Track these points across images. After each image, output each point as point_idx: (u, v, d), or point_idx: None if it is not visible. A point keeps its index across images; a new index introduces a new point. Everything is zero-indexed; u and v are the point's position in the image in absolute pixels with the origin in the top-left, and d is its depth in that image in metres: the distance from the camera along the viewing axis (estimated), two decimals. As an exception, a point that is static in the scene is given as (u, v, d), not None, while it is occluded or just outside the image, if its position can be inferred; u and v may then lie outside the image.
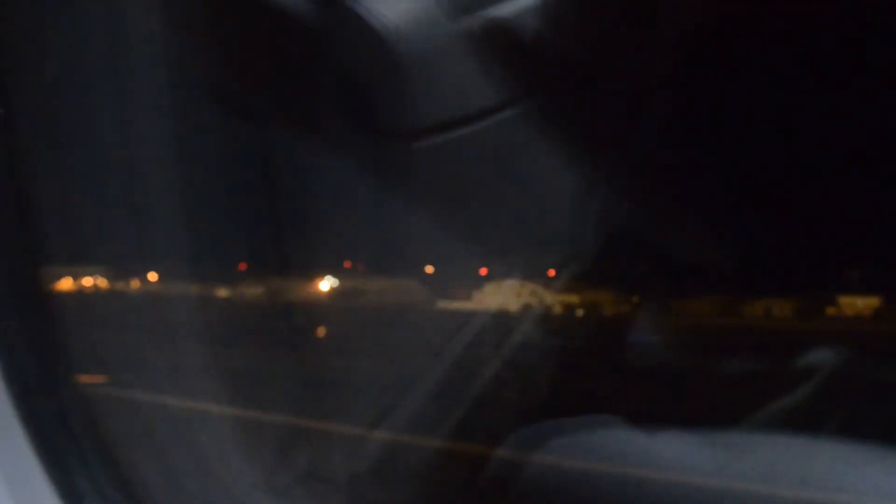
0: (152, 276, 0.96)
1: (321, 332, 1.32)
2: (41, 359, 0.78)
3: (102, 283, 0.97)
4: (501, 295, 1.48)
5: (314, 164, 1.07)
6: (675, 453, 0.95)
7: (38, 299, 0.81)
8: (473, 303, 1.59)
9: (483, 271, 1.60)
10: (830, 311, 1.31)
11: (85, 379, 0.80)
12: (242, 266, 1.10)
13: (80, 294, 0.95)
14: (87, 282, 0.94)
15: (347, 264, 1.31)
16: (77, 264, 0.94)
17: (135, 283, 0.98)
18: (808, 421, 1.05)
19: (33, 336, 0.78)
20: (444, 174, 1.22)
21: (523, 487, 0.92)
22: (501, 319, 1.37)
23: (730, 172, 1.07)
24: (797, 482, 0.93)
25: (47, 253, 0.82)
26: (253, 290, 1.11)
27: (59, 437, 0.75)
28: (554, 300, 1.51)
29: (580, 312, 1.49)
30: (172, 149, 0.99)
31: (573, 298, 1.56)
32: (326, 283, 1.29)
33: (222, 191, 1.04)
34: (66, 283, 0.89)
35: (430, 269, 1.50)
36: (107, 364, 0.83)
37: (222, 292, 1.11)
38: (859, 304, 1.21)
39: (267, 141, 1.05)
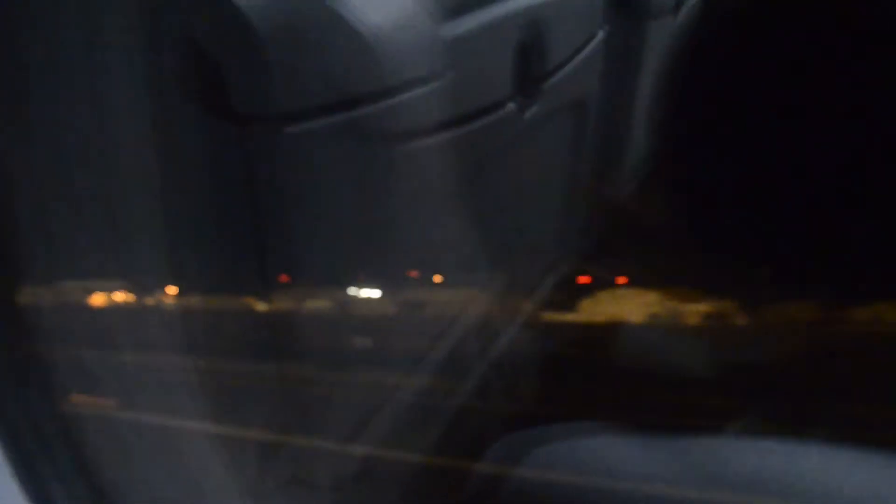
0: (171, 290, 1.00)
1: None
2: (17, 369, 0.76)
3: (117, 297, 1.03)
4: (618, 304, 1.45)
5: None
6: (659, 461, 0.94)
7: (14, 311, 0.78)
8: (583, 314, 1.55)
9: (584, 279, 1.56)
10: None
11: (64, 391, 0.78)
12: (284, 279, 1.11)
13: (73, 308, 1.00)
14: (96, 296, 1.00)
15: (413, 274, 1.30)
16: (92, 278, 0.96)
17: (163, 297, 1.04)
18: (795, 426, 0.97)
19: (8, 346, 0.76)
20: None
21: (508, 497, 0.93)
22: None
23: (836, 171, 1.03)
24: (783, 492, 0.89)
25: (35, 267, 0.84)
26: (284, 304, 1.14)
27: (35, 448, 0.73)
28: (683, 309, 1.45)
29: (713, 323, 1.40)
30: (191, 157, 0.99)
31: (700, 307, 1.49)
32: (382, 295, 1.27)
33: (238, 200, 1.03)
34: (53, 297, 0.92)
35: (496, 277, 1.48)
36: (88, 379, 0.86)
37: (260, 306, 1.14)
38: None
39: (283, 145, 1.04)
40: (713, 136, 1.16)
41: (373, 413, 1.12)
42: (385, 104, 1.03)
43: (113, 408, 0.90)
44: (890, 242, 1.03)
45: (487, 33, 1.28)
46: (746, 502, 0.90)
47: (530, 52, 1.40)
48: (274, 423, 1.04)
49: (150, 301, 0.95)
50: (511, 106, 1.37)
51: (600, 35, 1.68)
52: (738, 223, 1.20)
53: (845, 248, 1.09)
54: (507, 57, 1.34)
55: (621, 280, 1.53)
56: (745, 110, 1.12)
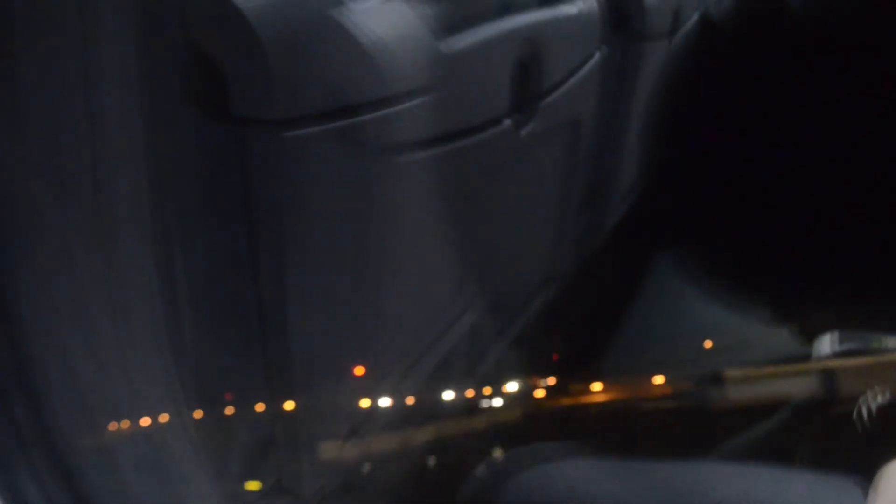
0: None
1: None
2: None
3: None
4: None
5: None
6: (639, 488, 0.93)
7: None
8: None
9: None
10: None
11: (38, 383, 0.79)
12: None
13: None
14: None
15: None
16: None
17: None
18: (781, 452, 0.96)
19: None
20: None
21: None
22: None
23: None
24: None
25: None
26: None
27: (9, 444, 0.71)
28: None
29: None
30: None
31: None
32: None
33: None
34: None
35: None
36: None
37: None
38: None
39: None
40: (703, 164, 1.16)
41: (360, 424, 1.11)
42: (382, 114, 1.04)
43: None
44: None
45: (486, 50, 1.29)
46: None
47: (528, 70, 1.41)
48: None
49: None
50: (507, 123, 1.37)
51: (597, 56, 1.68)
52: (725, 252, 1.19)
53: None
54: (505, 74, 1.35)
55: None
56: (737, 139, 1.11)
